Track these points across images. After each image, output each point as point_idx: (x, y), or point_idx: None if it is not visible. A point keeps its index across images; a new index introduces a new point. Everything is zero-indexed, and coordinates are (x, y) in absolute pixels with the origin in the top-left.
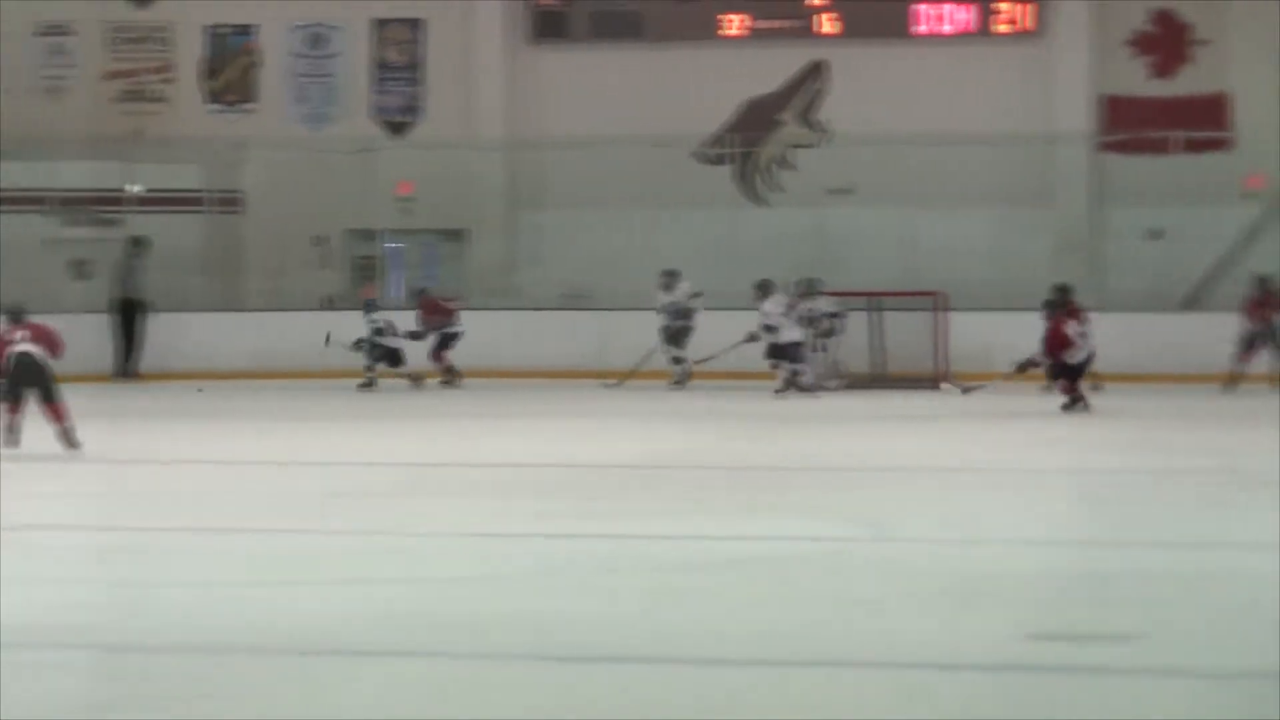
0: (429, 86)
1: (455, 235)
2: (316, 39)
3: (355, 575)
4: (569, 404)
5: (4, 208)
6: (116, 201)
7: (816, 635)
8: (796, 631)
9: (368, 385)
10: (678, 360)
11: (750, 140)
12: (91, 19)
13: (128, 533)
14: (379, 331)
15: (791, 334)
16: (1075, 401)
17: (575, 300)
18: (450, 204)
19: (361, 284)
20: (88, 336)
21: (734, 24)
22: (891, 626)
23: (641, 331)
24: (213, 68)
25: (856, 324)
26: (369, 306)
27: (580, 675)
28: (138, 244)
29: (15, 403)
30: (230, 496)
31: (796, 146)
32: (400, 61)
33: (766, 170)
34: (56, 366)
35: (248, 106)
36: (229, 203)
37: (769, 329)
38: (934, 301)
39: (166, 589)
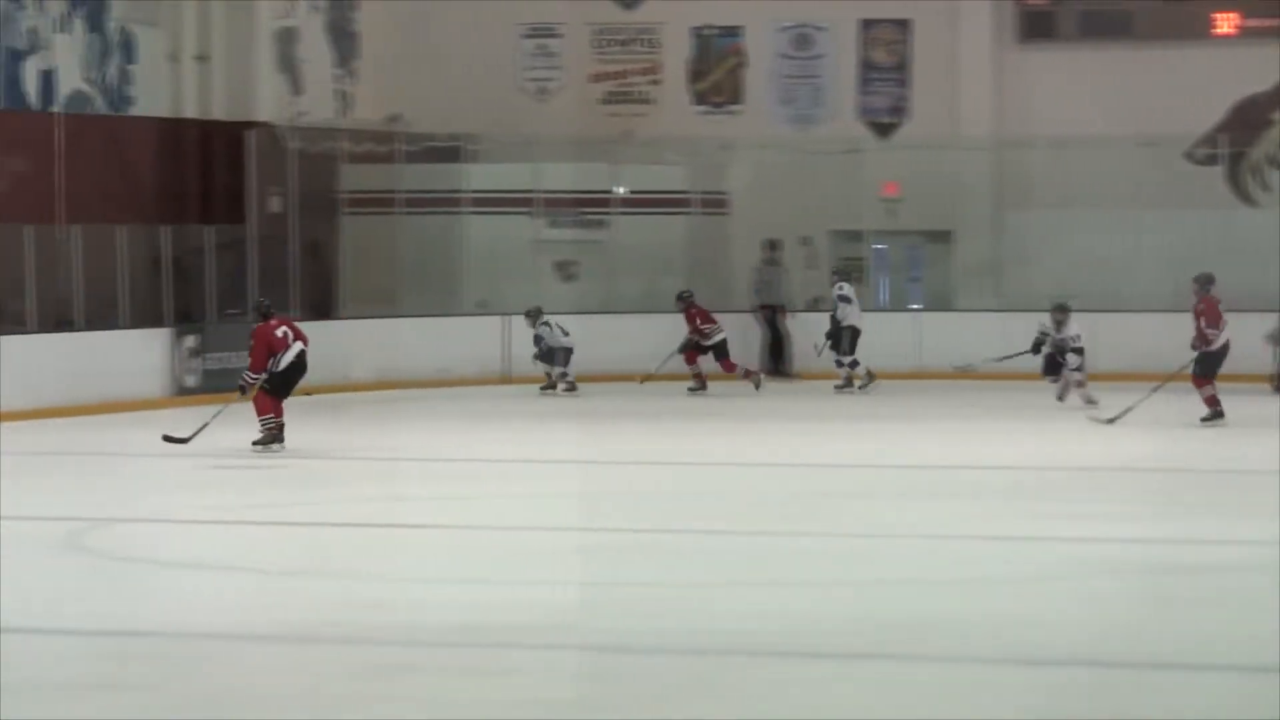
0: (915, 87)
1: (940, 236)
2: (803, 40)
3: (833, 577)
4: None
5: (492, 209)
6: (602, 203)
7: None
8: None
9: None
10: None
11: (1242, 140)
12: (579, 21)
13: (606, 533)
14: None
15: None
16: None
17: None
18: (935, 205)
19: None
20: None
21: (1226, 22)
22: None
23: (1128, 333)
24: (699, 69)
25: None
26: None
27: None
28: (774, 247)
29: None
30: (704, 498)
31: None
32: (887, 62)
33: (1258, 170)
34: None
35: (733, 108)
36: (714, 204)
37: None
38: None
39: (647, 589)
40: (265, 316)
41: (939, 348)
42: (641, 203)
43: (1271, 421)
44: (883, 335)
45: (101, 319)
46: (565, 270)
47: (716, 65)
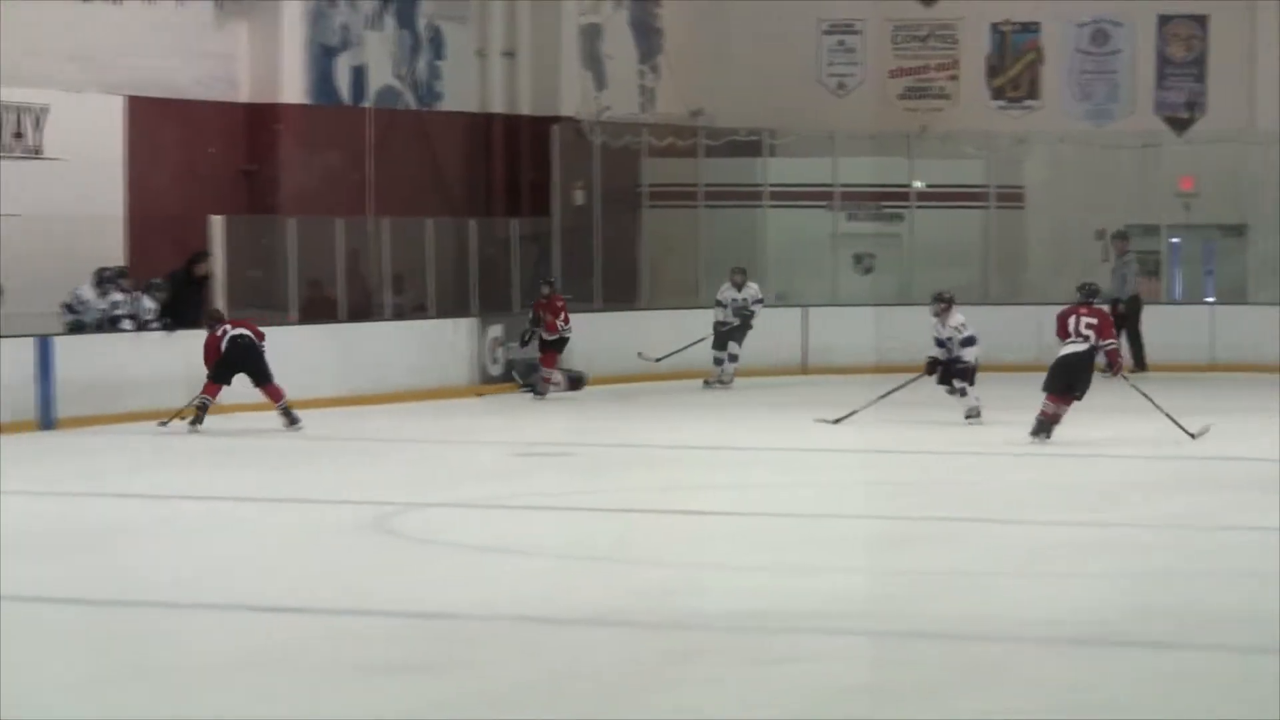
0: (1211, 81)
1: (1235, 230)
2: (1100, 36)
3: (1116, 568)
4: None
5: (791, 203)
6: (899, 197)
7: None
8: None
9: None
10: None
11: None
12: (879, 17)
13: (896, 522)
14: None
15: None
16: None
17: None
18: (1230, 199)
19: (1144, 278)
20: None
21: None
22: None
23: None
24: (996, 64)
25: None
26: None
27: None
28: (1121, 236)
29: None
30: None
31: None
32: (1184, 57)
33: None
34: None
35: (1030, 103)
36: (1010, 198)
37: None
38: None
39: (933, 576)
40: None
41: (1232, 341)
42: (938, 196)
43: None
44: (1176, 328)
45: (409, 310)
46: (862, 263)
47: (1014, 61)
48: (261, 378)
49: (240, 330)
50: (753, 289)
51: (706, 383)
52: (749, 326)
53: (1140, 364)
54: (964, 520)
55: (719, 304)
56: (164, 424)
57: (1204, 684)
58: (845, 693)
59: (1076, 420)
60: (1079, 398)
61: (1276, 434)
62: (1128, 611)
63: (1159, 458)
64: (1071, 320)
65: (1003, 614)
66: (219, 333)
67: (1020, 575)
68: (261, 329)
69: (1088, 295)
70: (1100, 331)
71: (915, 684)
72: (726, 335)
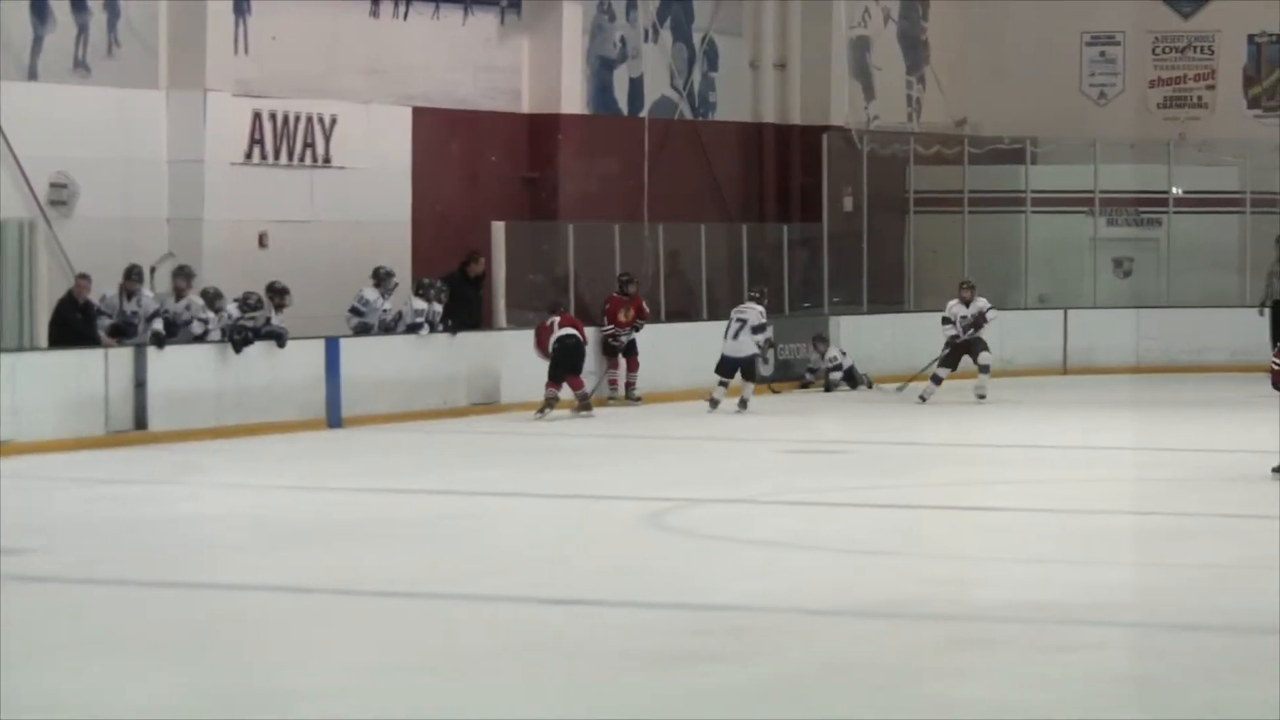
0: None
1: None
2: None
3: None
4: None
5: (1053, 208)
6: (1158, 203)
7: None
8: None
9: None
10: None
11: None
12: (1140, 29)
13: (1160, 517)
14: None
15: None
16: None
17: None
18: None
19: None
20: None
21: None
22: None
23: None
24: (1253, 75)
25: None
26: None
27: None
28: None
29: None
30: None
31: None
32: None
33: None
34: None
35: None
36: (1266, 204)
37: None
38: None
39: (1201, 570)
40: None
41: None
42: (1195, 202)
43: None
44: None
45: (682, 313)
46: (1121, 267)
47: (1270, 71)
48: (575, 370)
49: (568, 330)
50: (982, 302)
51: (923, 398)
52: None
53: None
54: (1238, 516)
55: (947, 321)
56: (539, 414)
57: None
58: (1123, 680)
59: None
60: None
61: None
62: None
63: None
64: None
65: (1267, 605)
66: (548, 323)
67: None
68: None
69: None
70: None
71: (1188, 672)
72: (964, 349)
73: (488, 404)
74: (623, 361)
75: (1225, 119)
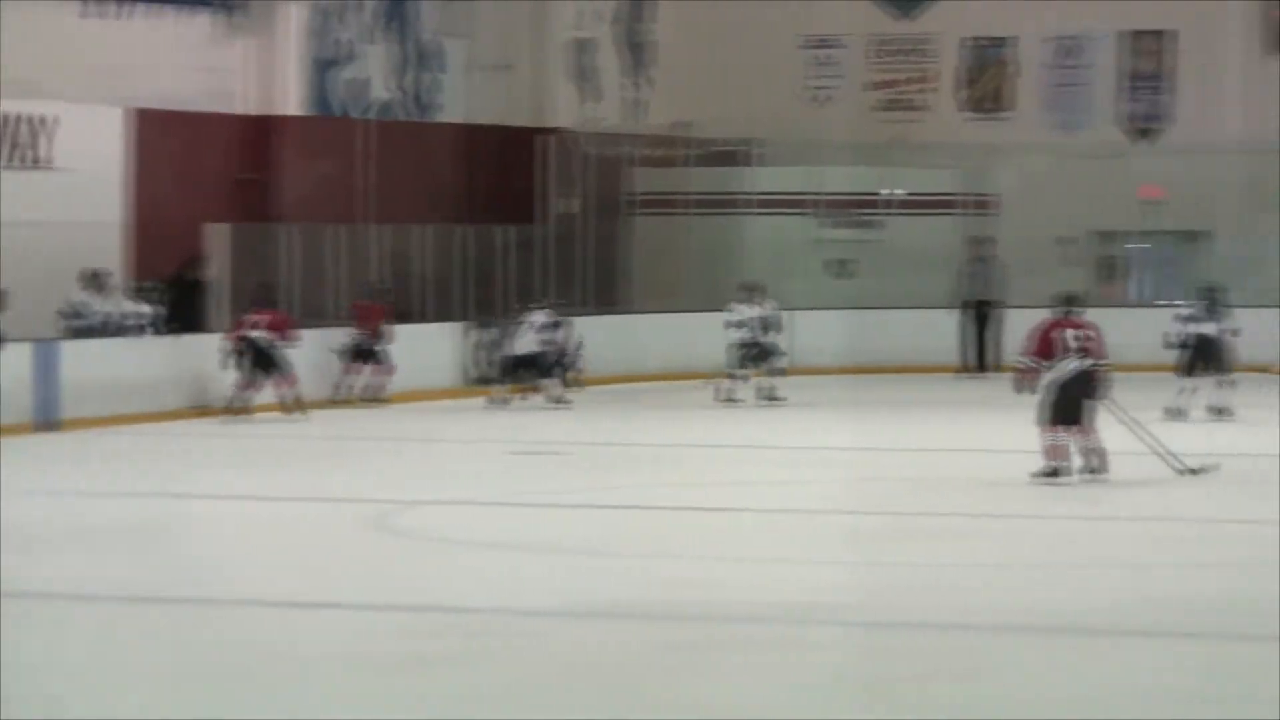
0: (1176, 94)
1: (1197, 237)
2: (1069, 50)
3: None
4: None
5: (773, 210)
6: (876, 205)
7: None
8: None
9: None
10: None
11: None
12: (858, 32)
13: (876, 517)
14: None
15: None
16: None
17: None
18: (1194, 207)
19: (1106, 283)
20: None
21: None
22: None
23: None
24: (970, 78)
25: None
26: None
27: None
28: (981, 243)
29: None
30: (980, 483)
31: None
32: (1149, 70)
33: None
34: None
35: (1002, 114)
36: (982, 205)
37: None
38: None
39: (903, 571)
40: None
41: None
42: (913, 204)
43: None
44: (1143, 330)
45: (400, 315)
46: (841, 267)
47: (986, 74)
48: (271, 371)
49: (259, 333)
50: (772, 303)
51: (732, 399)
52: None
53: (981, 365)
54: (954, 515)
55: (738, 325)
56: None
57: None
58: (841, 680)
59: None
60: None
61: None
62: (1113, 603)
63: (1135, 453)
64: (1063, 334)
65: (979, 604)
66: (244, 321)
67: (1006, 568)
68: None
69: (1070, 303)
70: (1097, 347)
71: (911, 670)
72: (763, 353)
73: (209, 406)
74: (368, 367)
75: (942, 121)
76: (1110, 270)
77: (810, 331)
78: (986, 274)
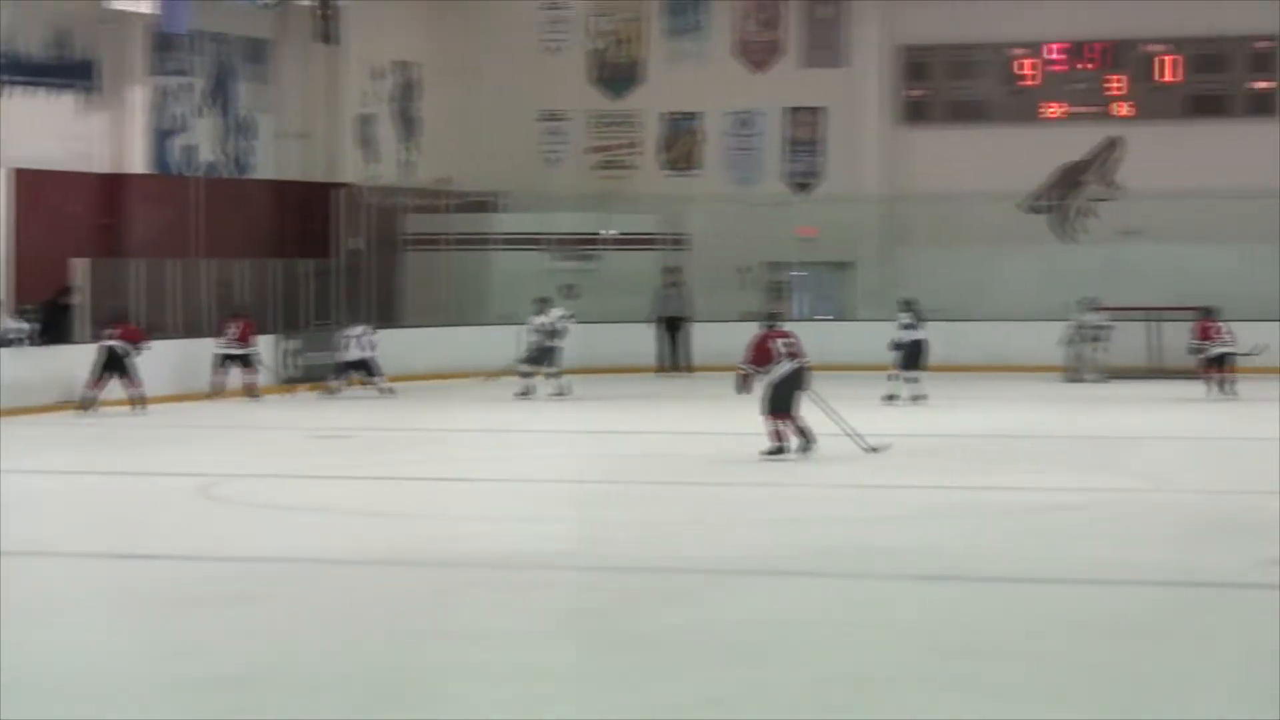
0: (827, 156)
1: (844, 266)
2: (744, 122)
3: (767, 517)
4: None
5: (515, 247)
6: (595, 242)
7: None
8: (1099, 557)
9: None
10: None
11: (1062, 195)
12: (581, 108)
13: (598, 485)
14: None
15: None
16: None
17: (935, 313)
18: (840, 243)
19: (774, 302)
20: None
21: (1053, 109)
22: (1160, 557)
23: (984, 336)
24: (667, 144)
25: (1134, 330)
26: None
27: (938, 591)
28: (673, 271)
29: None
30: (676, 457)
31: (1097, 200)
32: (806, 138)
33: (1074, 218)
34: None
35: (693, 172)
36: (677, 242)
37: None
38: (1199, 314)
39: (615, 527)
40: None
41: (844, 349)
42: (624, 242)
43: (1060, 399)
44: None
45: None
46: (569, 292)
47: (680, 140)
48: (122, 373)
49: (115, 342)
50: (557, 312)
51: (523, 394)
52: (558, 344)
53: (675, 366)
54: (658, 483)
55: (533, 330)
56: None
57: (838, 604)
58: (578, 614)
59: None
60: (794, 411)
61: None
62: (796, 549)
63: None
64: (775, 343)
65: (690, 553)
66: (105, 333)
67: (700, 523)
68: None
69: (774, 319)
70: (800, 350)
71: (628, 606)
72: (547, 353)
73: (72, 402)
74: (236, 369)
75: (647, 177)
76: (778, 292)
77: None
78: (678, 296)
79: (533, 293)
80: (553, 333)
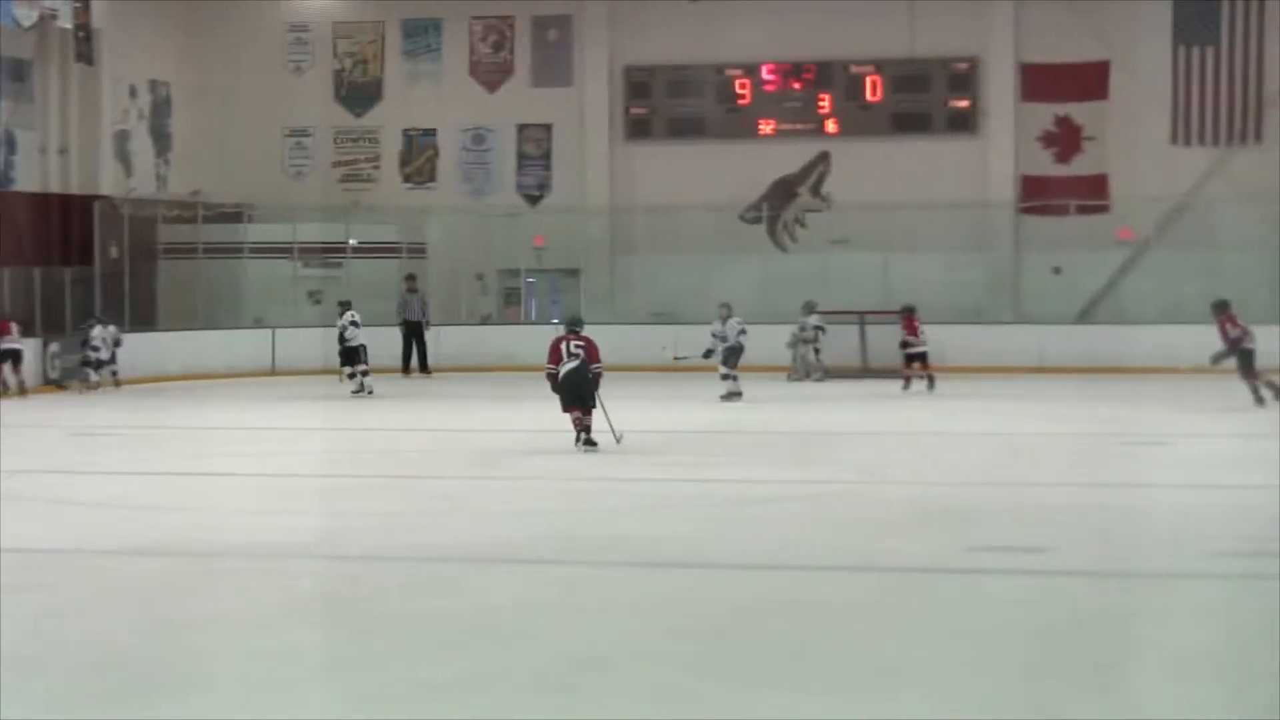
0: (555, 170)
1: (573, 273)
2: (478, 138)
3: (507, 509)
4: (652, 389)
5: (264, 255)
6: (340, 251)
7: (825, 548)
8: (814, 545)
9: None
10: (726, 377)
11: (776, 206)
12: (325, 124)
13: (345, 479)
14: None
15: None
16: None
17: (658, 318)
18: (569, 251)
19: (509, 307)
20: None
21: (767, 126)
22: (871, 544)
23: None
24: (407, 158)
25: (847, 332)
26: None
27: (666, 577)
28: (411, 278)
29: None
30: (420, 453)
31: (808, 211)
32: (536, 153)
33: (787, 228)
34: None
35: (431, 185)
36: (417, 251)
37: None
38: (902, 317)
39: (361, 519)
40: None
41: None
42: (366, 250)
43: (783, 398)
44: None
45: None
46: (314, 297)
47: (418, 155)
48: None
49: None
50: (351, 313)
51: (359, 391)
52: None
53: (422, 368)
54: (395, 477)
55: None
56: None
57: (542, 586)
58: (309, 598)
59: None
60: (593, 405)
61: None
62: (536, 538)
63: (528, 430)
64: (566, 344)
65: (421, 542)
66: None
67: (445, 514)
68: None
69: (574, 324)
70: (593, 352)
71: (373, 591)
72: (354, 352)
73: None
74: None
75: (388, 190)
76: (512, 298)
77: (293, 343)
78: (417, 301)
79: (279, 298)
80: (344, 332)
